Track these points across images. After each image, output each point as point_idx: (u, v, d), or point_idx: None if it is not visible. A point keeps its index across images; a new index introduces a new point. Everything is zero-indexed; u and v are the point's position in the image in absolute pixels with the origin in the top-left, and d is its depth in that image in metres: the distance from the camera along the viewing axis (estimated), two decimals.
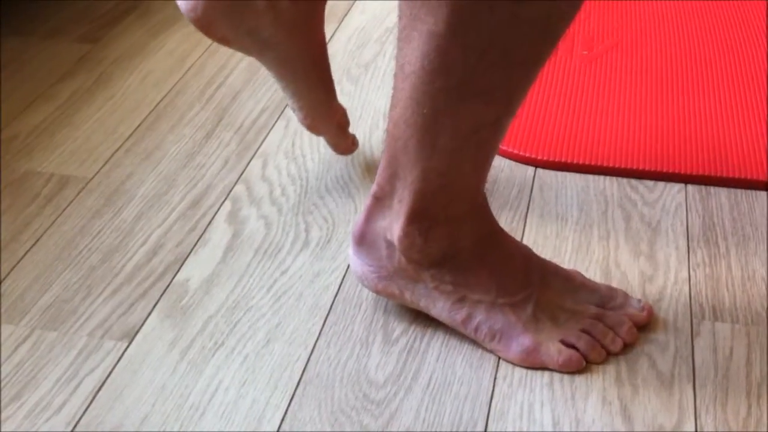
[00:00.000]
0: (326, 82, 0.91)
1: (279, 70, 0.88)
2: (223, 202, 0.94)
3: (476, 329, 0.74)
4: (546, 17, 0.61)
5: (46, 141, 1.04)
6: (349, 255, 0.77)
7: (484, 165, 0.70)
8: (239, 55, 1.22)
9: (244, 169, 0.99)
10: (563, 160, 0.98)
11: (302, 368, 0.74)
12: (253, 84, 1.15)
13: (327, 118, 0.92)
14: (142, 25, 1.30)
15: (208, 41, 1.25)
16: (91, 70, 1.19)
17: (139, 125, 1.07)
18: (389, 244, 0.74)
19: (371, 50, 1.23)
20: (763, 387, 0.71)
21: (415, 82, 0.63)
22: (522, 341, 0.73)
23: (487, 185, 0.76)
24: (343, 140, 0.95)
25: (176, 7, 1.30)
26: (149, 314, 0.79)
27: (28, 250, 0.87)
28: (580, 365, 0.73)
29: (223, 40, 0.86)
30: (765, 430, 0.68)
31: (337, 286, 0.82)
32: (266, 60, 0.87)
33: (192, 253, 0.87)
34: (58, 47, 1.24)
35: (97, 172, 0.99)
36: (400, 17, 0.63)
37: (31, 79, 1.17)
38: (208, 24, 0.84)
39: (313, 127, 0.93)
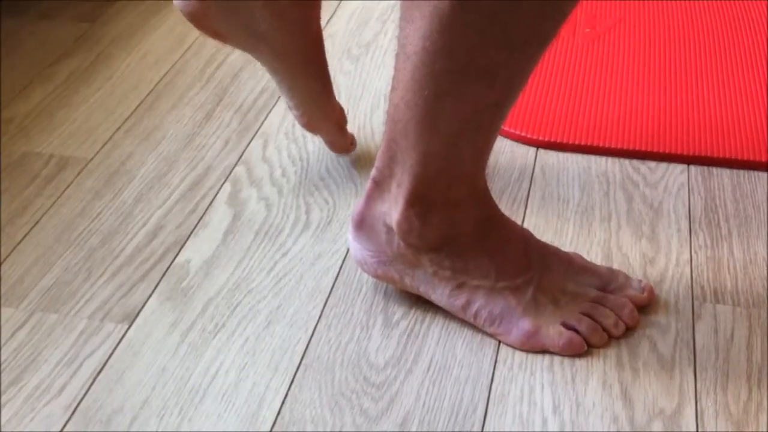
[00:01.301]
0: (323, 79, 0.89)
1: (274, 67, 0.87)
2: (224, 183, 0.93)
3: (476, 315, 0.73)
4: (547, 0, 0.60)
5: (45, 122, 1.03)
6: (348, 240, 0.77)
7: (485, 149, 0.70)
8: None
9: (245, 150, 0.98)
10: (565, 140, 0.98)
11: (303, 351, 0.74)
12: (253, 63, 1.14)
13: (324, 116, 0.91)
14: (138, 5, 1.29)
15: None
16: (89, 49, 1.18)
17: (138, 105, 1.06)
18: (388, 229, 0.73)
19: (372, 29, 1.22)
20: (764, 370, 0.71)
21: (417, 63, 0.63)
22: (522, 325, 0.72)
23: (488, 167, 0.76)
24: (341, 139, 0.94)
25: None
26: (149, 296, 0.79)
27: (28, 233, 0.87)
28: (582, 348, 0.72)
29: (218, 35, 0.85)
30: (765, 413, 0.68)
31: (337, 269, 0.82)
32: (261, 56, 0.86)
33: (192, 234, 0.86)
34: (55, 27, 1.23)
35: (97, 153, 0.98)
36: None
37: (28, 59, 1.16)
38: (201, 18, 0.83)
39: (310, 126, 0.92)
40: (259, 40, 0.84)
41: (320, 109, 0.90)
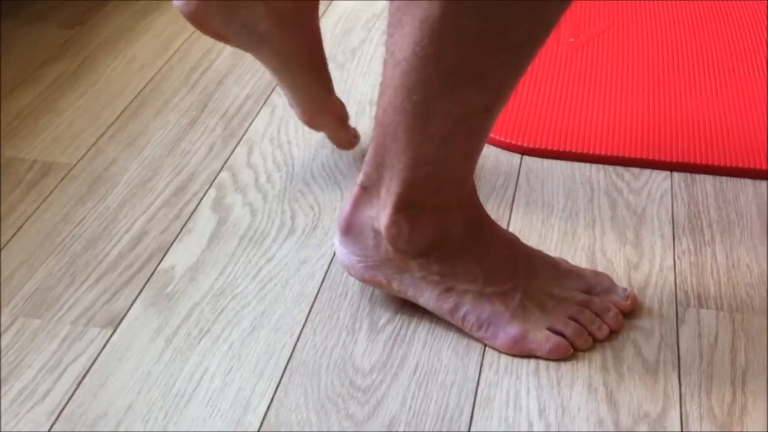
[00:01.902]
0: (323, 77, 0.90)
1: (274, 65, 0.88)
2: (208, 189, 0.93)
3: (463, 318, 0.73)
4: (541, 3, 0.60)
5: (29, 127, 1.03)
6: (335, 245, 0.77)
7: (474, 153, 0.70)
8: None
9: (229, 156, 0.98)
10: (550, 147, 0.98)
11: (288, 356, 0.73)
12: (238, 69, 1.14)
13: (325, 112, 0.92)
14: (126, 9, 1.29)
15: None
16: (75, 54, 1.18)
17: (123, 111, 1.06)
18: (376, 234, 0.73)
19: (358, 36, 1.23)
20: (747, 374, 0.72)
21: (406, 69, 0.63)
22: (509, 330, 0.73)
23: (474, 173, 0.76)
24: (343, 134, 0.94)
25: None
26: (134, 302, 0.79)
27: (11, 238, 0.86)
28: (568, 352, 0.73)
29: (218, 35, 0.85)
30: (750, 417, 0.68)
31: (323, 274, 0.82)
32: (261, 55, 0.87)
33: (176, 240, 0.86)
34: (41, 31, 1.23)
35: (81, 159, 0.98)
36: (391, 2, 0.62)
37: (14, 63, 1.15)
38: (201, 19, 0.83)
39: (312, 123, 0.93)
40: (259, 40, 0.84)
41: (321, 105, 0.91)
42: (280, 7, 0.83)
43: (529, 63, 0.65)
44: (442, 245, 0.73)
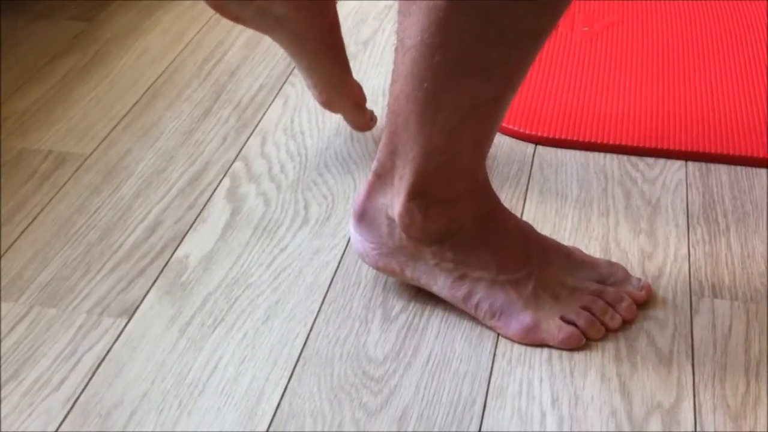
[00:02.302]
0: (340, 59, 0.91)
1: (292, 48, 0.88)
2: (222, 179, 0.93)
3: (476, 306, 0.73)
4: None
5: (42, 119, 1.03)
6: (350, 231, 0.77)
7: (485, 142, 0.70)
8: (237, 31, 1.21)
9: (243, 146, 0.98)
10: (563, 137, 0.98)
11: (301, 345, 0.74)
12: (251, 61, 1.14)
13: (342, 95, 0.92)
14: (131, 7, 1.29)
15: (204, 18, 1.24)
16: (87, 48, 1.18)
17: (136, 103, 1.06)
18: (390, 221, 0.73)
19: (369, 27, 1.22)
20: (761, 364, 0.71)
21: (416, 57, 0.63)
22: (522, 318, 0.73)
23: (487, 162, 0.76)
24: (361, 117, 0.95)
25: None
26: (148, 291, 0.79)
27: (26, 228, 0.87)
28: (580, 342, 0.73)
29: (236, 18, 0.86)
30: (763, 407, 0.68)
31: (336, 263, 0.82)
32: (278, 37, 0.88)
33: (191, 230, 0.86)
34: (52, 26, 1.23)
35: (95, 150, 0.98)
36: None
37: (26, 58, 1.16)
38: (220, 3, 0.84)
39: (329, 105, 0.93)
40: (277, 24, 0.85)
41: (338, 89, 0.92)
42: None
43: (536, 52, 0.64)
44: (455, 233, 0.73)
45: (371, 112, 0.96)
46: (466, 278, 0.73)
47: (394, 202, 0.72)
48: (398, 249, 0.74)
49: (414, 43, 0.62)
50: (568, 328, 0.73)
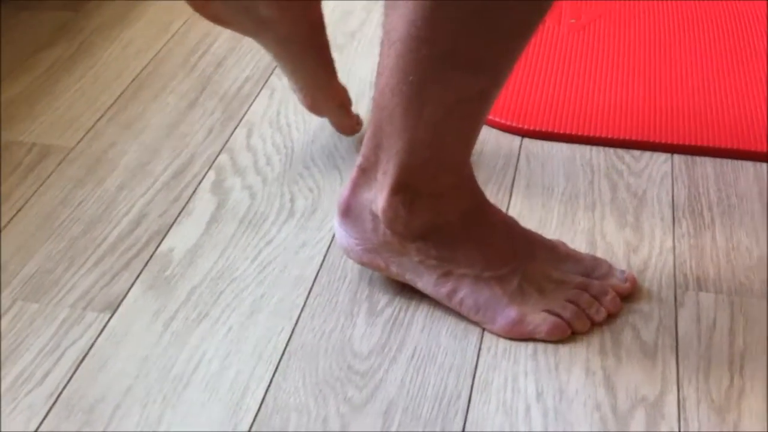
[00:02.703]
0: (325, 62, 0.90)
1: (276, 50, 0.87)
2: (207, 171, 0.93)
3: (461, 302, 0.73)
4: None
5: (27, 111, 1.03)
6: (334, 227, 0.77)
7: (470, 137, 0.70)
8: None
9: (228, 139, 0.98)
10: (549, 129, 0.98)
11: (287, 339, 0.73)
12: (237, 52, 1.14)
13: (327, 98, 0.91)
14: None
15: (190, 9, 1.23)
16: (72, 39, 1.17)
17: (121, 94, 1.06)
18: (374, 217, 0.73)
19: (357, 18, 1.22)
20: (745, 357, 0.72)
21: (401, 50, 0.63)
22: (507, 313, 0.73)
23: (473, 156, 0.76)
24: (346, 119, 0.94)
25: None
26: (132, 285, 0.79)
27: (9, 221, 0.86)
28: (566, 333, 0.73)
29: (219, 20, 0.85)
30: (747, 400, 0.68)
31: (322, 257, 0.82)
32: (263, 40, 0.87)
33: (175, 223, 0.86)
34: (38, 16, 1.22)
35: (79, 142, 0.97)
36: None
37: (10, 48, 1.15)
38: (203, 3, 0.83)
39: (314, 108, 0.92)
40: (261, 25, 0.84)
41: (323, 91, 0.91)
42: None
43: (523, 47, 0.64)
44: (440, 229, 0.73)
45: (357, 116, 0.95)
46: (451, 275, 0.73)
47: (378, 197, 0.72)
48: (383, 245, 0.74)
49: (400, 36, 0.62)
50: (553, 319, 0.73)
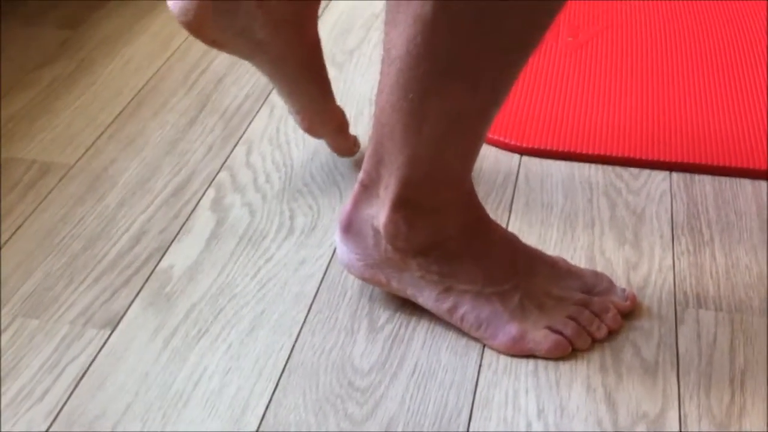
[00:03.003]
0: (322, 84, 0.90)
1: (273, 73, 0.87)
2: (207, 189, 0.93)
3: (462, 318, 0.73)
4: (535, 3, 0.60)
5: (27, 128, 1.03)
6: (336, 242, 0.77)
7: (471, 154, 0.70)
8: None
9: (228, 156, 0.98)
10: (548, 147, 0.98)
11: (287, 356, 0.73)
12: (237, 69, 1.14)
13: (324, 120, 0.91)
14: (123, 9, 1.29)
15: None
16: (72, 56, 1.17)
17: (121, 112, 1.06)
18: (376, 232, 0.73)
19: (356, 36, 1.22)
20: (746, 374, 0.72)
21: (401, 67, 0.63)
22: (509, 330, 0.73)
23: (472, 173, 0.76)
24: (343, 141, 0.94)
25: None
26: (132, 302, 0.79)
27: (9, 238, 0.86)
28: (567, 351, 0.73)
29: (216, 43, 0.85)
30: (748, 417, 0.68)
31: (321, 274, 0.82)
32: (259, 63, 0.87)
33: (175, 240, 0.86)
34: (38, 33, 1.23)
35: (79, 159, 0.98)
36: (388, 1, 0.62)
37: (10, 65, 1.15)
38: (199, 26, 0.82)
39: (312, 130, 0.92)
40: (257, 48, 0.84)
41: (320, 113, 0.91)
42: (279, 13, 0.83)
43: (523, 64, 0.64)
44: (441, 245, 0.73)
45: (354, 137, 0.95)
46: (452, 291, 0.73)
47: (379, 212, 0.72)
48: (384, 261, 0.74)
49: (400, 53, 0.63)
50: (555, 336, 0.73)
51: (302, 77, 0.87)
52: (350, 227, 0.75)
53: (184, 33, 1.22)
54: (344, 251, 0.76)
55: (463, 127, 0.67)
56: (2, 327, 0.76)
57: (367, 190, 0.72)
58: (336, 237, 0.76)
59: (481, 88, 0.64)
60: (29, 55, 1.17)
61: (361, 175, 0.72)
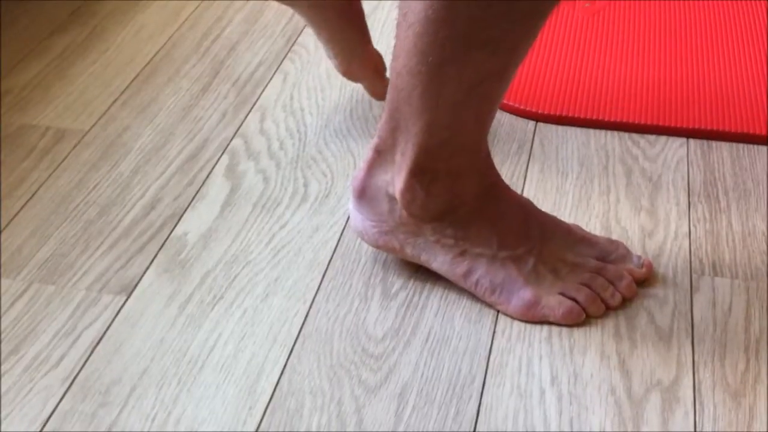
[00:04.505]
0: (360, 28, 0.91)
1: (312, 17, 0.88)
2: (221, 156, 0.93)
3: (476, 283, 0.73)
4: None
5: (41, 95, 1.03)
6: (349, 209, 0.77)
7: (488, 116, 0.70)
8: (235, 6, 1.20)
9: (242, 123, 0.98)
10: (564, 114, 0.97)
11: (301, 322, 0.74)
12: (250, 36, 1.14)
13: (362, 63, 0.93)
14: None
15: None
16: (84, 23, 1.17)
17: (134, 78, 1.06)
18: (390, 198, 0.73)
19: (369, 3, 1.21)
20: (761, 342, 0.71)
21: (419, 31, 0.62)
22: (523, 295, 0.72)
23: (488, 139, 0.76)
24: (380, 85, 0.95)
25: None
26: (147, 268, 0.79)
27: (25, 204, 0.86)
28: (581, 317, 0.73)
29: None
30: (763, 385, 0.68)
31: (336, 241, 0.82)
32: (299, 7, 0.88)
33: (190, 207, 0.86)
34: (51, 1, 1.22)
35: (93, 126, 0.98)
36: None
37: (24, 33, 1.15)
38: None
39: (349, 73, 0.93)
40: None
41: (358, 57, 0.92)
42: None
43: (540, 26, 0.64)
44: (456, 210, 0.72)
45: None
46: (467, 255, 0.73)
47: (395, 179, 0.72)
48: (398, 226, 0.74)
49: (418, 18, 0.62)
50: (569, 303, 0.72)
51: (340, 22, 0.89)
52: (364, 194, 0.74)
53: (195, 2, 1.22)
54: (358, 218, 0.76)
55: (482, 90, 0.66)
56: (18, 293, 0.76)
57: (381, 156, 0.72)
58: (350, 204, 0.76)
59: (500, 52, 0.64)
60: (42, 23, 1.17)
61: (375, 140, 0.72)
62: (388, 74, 0.96)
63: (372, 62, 0.94)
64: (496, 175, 0.75)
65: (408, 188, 0.71)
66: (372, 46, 0.93)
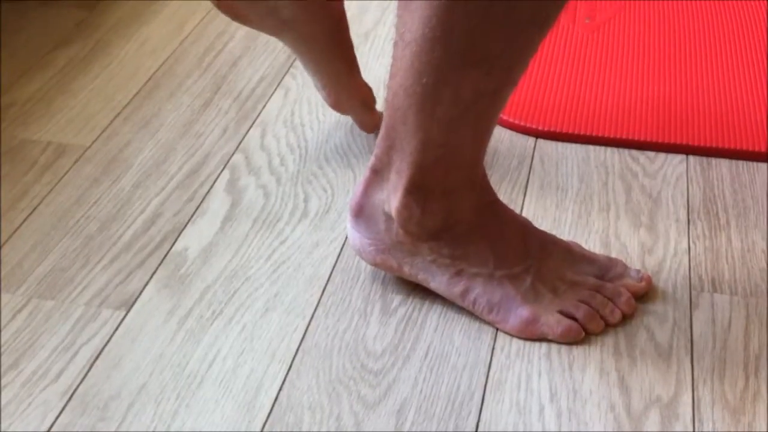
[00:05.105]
0: (348, 60, 0.90)
1: (299, 49, 0.88)
2: (222, 171, 0.93)
3: (474, 302, 0.73)
4: None
5: (43, 109, 1.03)
6: (347, 228, 0.77)
7: (484, 136, 0.70)
8: None
9: (243, 138, 0.98)
10: (564, 130, 0.98)
11: (300, 338, 0.74)
12: (252, 51, 1.14)
13: (351, 95, 0.92)
14: None
15: (206, 7, 1.24)
16: (88, 37, 1.18)
17: (136, 93, 1.06)
18: (387, 217, 0.73)
19: (371, 18, 1.22)
20: (761, 359, 0.71)
21: (416, 50, 0.63)
22: (520, 313, 0.72)
23: (487, 156, 0.76)
24: (369, 118, 0.95)
25: None
26: (147, 283, 0.79)
27: (25, 219, 0.87)
28: (579, 335, 0.72)
29: (243, 18, 0.85)
30: (762, 402, 0.68)
31: (335, 257, 0.82)
32: (286, 39, 0.88)
33: (190, 222, 0.86)
34: (54, 14, 1.23)
35: (95, 141, 0.98)
36: None
37: (27, 46, 1.15)
38: (229, 5, 0.83)
39: (338, 106, 0.93)
40: (284, 25, 0.85)
41: (347, 89, 0.91)
42: None
43: (537, 44, 0.64)
44: (452, 228, 0.73)
45: (380, 113, 0.96)
46: (464, 274, 0.73)
47: (391, 197, 0.72)
48: (395, 245, 0.74)
49: (414, 36, 0.62)
50: (567, 321, 0.72)
51: (328, 54, 0.88)
52: (361, 212, 0.74)
53: (199, 15, 1.22)
54: (355, 237, 0.76)
55: (477, 109, 0.66)
56: (18, 307, 0.77)
57: (378, 174, 0.72)
58: (347, 223, 0.76)
59: (497, 69, 0.64)
60: (46, 36, 1.17)
61: (372, 160, 0.72)
62: (378, 107, 0.97)
63: (360, 94, 0.93)
64: (493, 194, 0.75)
65: (404, 206, 0.71)
66: (360, 78, 0.93)
